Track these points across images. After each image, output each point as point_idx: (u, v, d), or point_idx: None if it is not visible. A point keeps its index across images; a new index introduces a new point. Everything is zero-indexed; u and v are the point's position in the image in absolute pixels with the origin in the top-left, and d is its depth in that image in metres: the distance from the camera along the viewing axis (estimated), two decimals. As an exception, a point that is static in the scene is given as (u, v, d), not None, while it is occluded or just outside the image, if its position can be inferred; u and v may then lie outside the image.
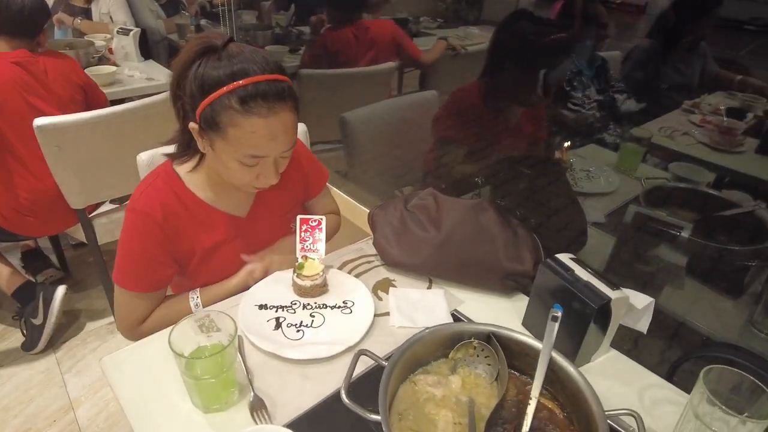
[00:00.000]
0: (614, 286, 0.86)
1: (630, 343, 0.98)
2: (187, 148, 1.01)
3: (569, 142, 1.58)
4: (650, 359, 0.94)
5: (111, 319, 2.11)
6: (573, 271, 0.88)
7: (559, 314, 0.79)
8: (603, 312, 0.84)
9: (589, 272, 0.88)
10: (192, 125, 0.90)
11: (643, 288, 0.92)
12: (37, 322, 1.94)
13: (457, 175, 1.62)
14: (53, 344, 2.02)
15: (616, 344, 0.94)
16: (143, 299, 1.01)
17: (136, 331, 1.02)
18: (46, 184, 1.73)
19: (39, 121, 1.57)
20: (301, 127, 1.37)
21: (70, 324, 2.13)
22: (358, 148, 1.77)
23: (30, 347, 1.96)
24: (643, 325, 0.91)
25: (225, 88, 0.83)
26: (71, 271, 2.39)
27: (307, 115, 2.13)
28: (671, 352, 1.06)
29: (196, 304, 1.03)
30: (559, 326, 0.78)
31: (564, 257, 0.92)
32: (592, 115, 1.97)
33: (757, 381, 0.70)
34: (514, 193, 1.32)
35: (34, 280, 2.03)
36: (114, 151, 1.78)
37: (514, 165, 1.45)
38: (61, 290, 1.97)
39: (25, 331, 1.97)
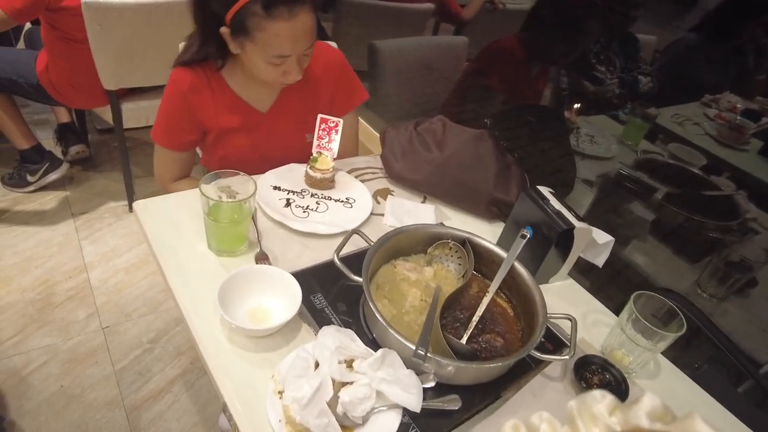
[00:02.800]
0: (581, 219, 0.98)
1: (587, 278, 1.11)
2: (216, 54, 1.10)
3: (579, 105, 1.67)
4: (602, 293, 1.07)
5: (125, 201, 2.27)
6: (548, 201, 1.00)
7: (528, 234, 0.91)
8: (566, 237, 0.97)
9: (562, 205, 1.01)
10: (223, 29, 1.01)
11: (610, 234, 1.04)
12: (31, 179, 2.19)
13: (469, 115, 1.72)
14: (74, 214, 2.20)
15: (574, 277, 1.07)
16: (170, 156, 1.21)
17: (167, 186, 1.23)
18: (89, 60, 1.84)
19: (87, -3, 1.66)
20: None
21: (89, 199, 2.29)
22: (382, 77, 1.86)
23: (10, 184, 2.22)
24: (600, 260, 1.04)
25: None
26: (94, 154, 2.54)
27: (338, 41, 2.22)
28: (622, 290, 1.18)
29: None
30: (527, 248, 0.90)
31: (544, 189, 1.04)
32: (611, 91, 2.03)
33: (674, 305, 0.84)
34: (517, 137, 1.43)
35: (50, 152, 2.23)
36: (151, 39, 1.88)
37: (523, 113, 1.55)
38: (64, 167, 2.21)
39: (14, 174, 2.21)
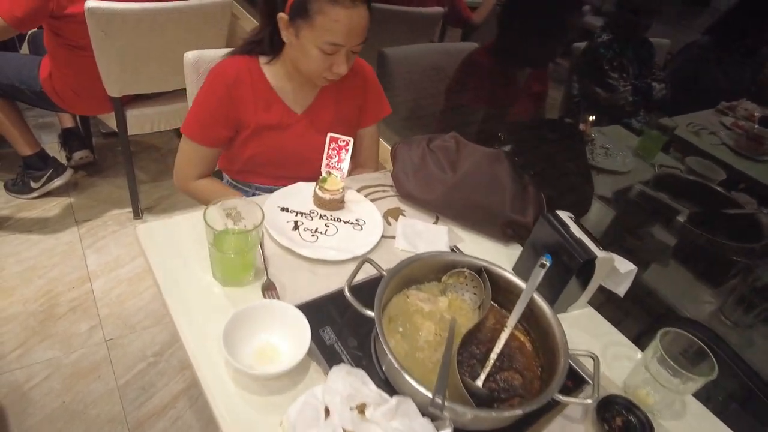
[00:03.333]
0: (603, 247, 0.94)
1: (607, 306, 1.07)
2: (268, 44, 1.15)
3: (594, 117, 1.62)
4: (623, 325, 1.02)
5: (130, 208, 2.24)
6: (569, 227, 0.96)
7: (548, 263, 0.87)
8: (587, 267, 0.92)
9: (583, 232, 0.96)
10: (281, 15, 1.05)
11: (630, 259, 1.00)
12: (34, 185, 2.16)
13: (476, 130, 1.69)
14: (77, 221, 2.17)
15: (593, 304, 1.03)
16: (198, 152, 1.20)
17: (188, 184, 1.22)
18: (93, 67, 1.80)
19: (90, 3, 1.62)
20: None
21: (93, 206, 2.26)
22: (391, 85, 1.82)
23: (13, 191, 2.19)
24: (622, 290, 1.00)
25: None
26: (98, 159, 2.50)
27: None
28: (644, 323, 1.15)
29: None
30: (545, 275, 0.86)
31: (563, 214, 0.99)
32: (624, 98, 1.98)
33: (704, 346, 0.79)
34: (531, 153, 1.38)
35: (54, 158, 2.19)
36: (156, 46, 1.84)
37: (537, 128, 1.51)
38: (68, 173, 2.18)
39: (17, 180, 2.19)
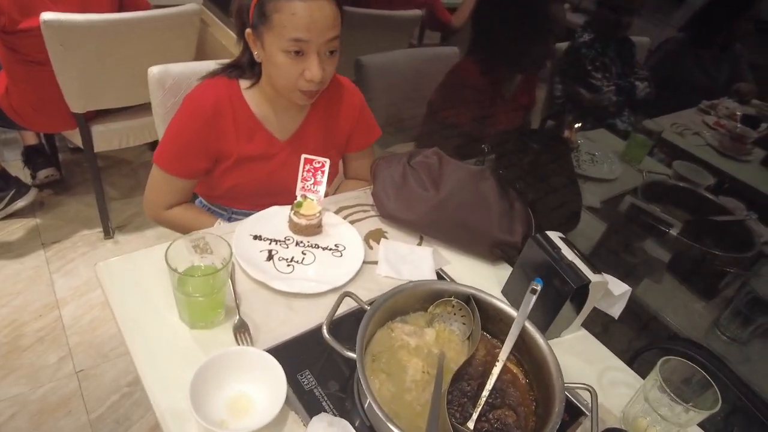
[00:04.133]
0: (596, 270, 0.89)
1: (600, 327, 1.03)
2: (247, 66, 1.08)
3: (580, 123, 1.58)
4: (616, 345, 0.98)
5: (100, 228, 2.14)
6: (560, 249, 0.91)
7: (539, 288, 0.82)
8: (581, 292, 0.87)
9: (574, 253, 0.91)
10: (248, 31, 1.00)
11: (623, 277, 0.96)
12: None
13: (458, 142, 1.63)
14: (44, 243, 2.06)
15: (587, 326, 0.99)
16: (172, 184, 1.10)
17: (159, 214, 1.13)
18: (53, 82, 1.71)
19: (45, 16, 1.53)
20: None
21: (61, 227, 2.15)
22: (370, 95, 1.75)
23: None
24: (616, 311, 0.96)
25: None
26: (65, 175, 2.39)
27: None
28: (638, 341, 1.11)
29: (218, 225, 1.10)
30: (537, 299, 0.82)
31: (553, 235, 0.94)
32: (608, 98, 1.95)
33: (707, 376, 0.75)
34: (516, 165, 1.33)
35: (16, 177, 2.08)
36: (120, 59, 1.75)
37: (522, 137, 1.46)
38: (32, 193, 2.07)
39: None
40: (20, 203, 2.06)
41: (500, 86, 1.68)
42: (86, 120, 1.86)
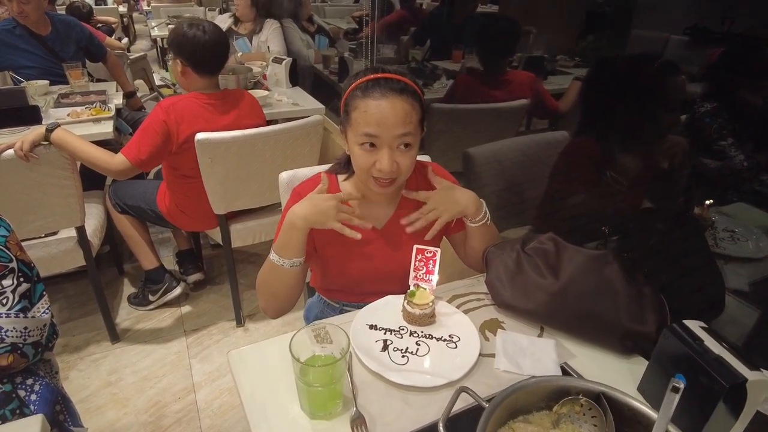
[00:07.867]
0: (753, 366, 0.77)
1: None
2: (345, 161, 1.20)
3: (712, 200, 1.44)
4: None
5: (233, 316, 2.34)
6: (702, 341, 0.81)
7: (682, 386, 0.72)
8: (735, 393, 0.75)
9: (722, 345, 0.80)
10: (339, 128, 1.10)
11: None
12: (152, 298, 2.37)
13: (578, 222, 1.57)
14: (186, 331, 2.29)
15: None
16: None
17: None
18: (201, 191, 2.00)
19: (199, 136, 1.83)
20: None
21: (201, 315, 2.40)
22: (478, 183, 1.79)
23: (134, 303, 2.42)
24: (787, 417, 0.80)
25: (356, 82, 1.04)
26: (207, 269, 2.69)
27: (432, 146, 2.18)
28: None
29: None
30: (681, 400, 0.72)
31: (693, 324, 0.84)
32: (739, 163, 1.77)
33: None
34: (643, 247, 1.24)
35: (170, 271, 2.42)
36: (255, 167, 2.01)
37: (646, 217, 1.37)
38: (181, 287, 2.38)
39: (138, 293, 2.43)
40: (171, 295, 2.36)
41: (617, 165, 1.62)
42: (226, 220, 2.12)
